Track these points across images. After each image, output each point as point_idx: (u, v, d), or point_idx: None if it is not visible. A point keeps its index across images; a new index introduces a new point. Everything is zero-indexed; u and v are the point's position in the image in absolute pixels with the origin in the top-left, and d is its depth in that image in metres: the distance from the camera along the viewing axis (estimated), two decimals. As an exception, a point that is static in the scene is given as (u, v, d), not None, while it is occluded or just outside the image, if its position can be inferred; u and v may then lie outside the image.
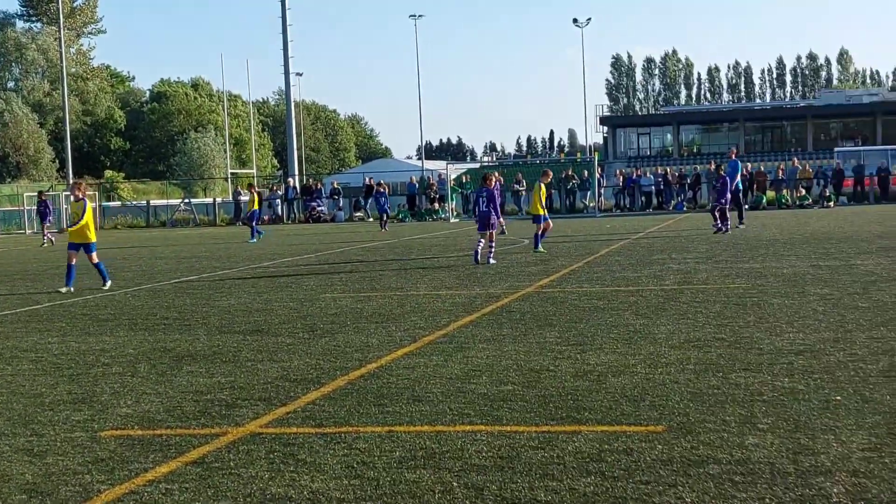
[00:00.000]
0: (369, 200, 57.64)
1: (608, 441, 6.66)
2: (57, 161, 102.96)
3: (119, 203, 74.33)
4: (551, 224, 24.84)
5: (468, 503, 5.51)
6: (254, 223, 36.65)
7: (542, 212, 23.71)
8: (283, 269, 22.50)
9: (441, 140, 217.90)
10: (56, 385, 9.35)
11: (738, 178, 32.01)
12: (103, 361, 10.61)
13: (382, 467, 6.25)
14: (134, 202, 72.32)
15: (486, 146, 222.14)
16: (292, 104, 72.65)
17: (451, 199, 53.55)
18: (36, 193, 50.11)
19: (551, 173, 26.93)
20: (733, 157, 34.77)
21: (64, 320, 14.35)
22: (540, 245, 23.85)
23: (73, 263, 18.49)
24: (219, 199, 68.17)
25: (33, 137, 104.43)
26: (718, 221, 29.47)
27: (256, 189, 37.98)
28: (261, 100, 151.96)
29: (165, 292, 17.96)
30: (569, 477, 5.90)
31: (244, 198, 62.21)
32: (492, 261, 21.09)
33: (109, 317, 14.60)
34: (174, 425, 7.59)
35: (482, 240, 21.57)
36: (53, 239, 40.87)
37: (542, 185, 23.91)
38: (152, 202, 68.19)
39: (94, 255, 18.68)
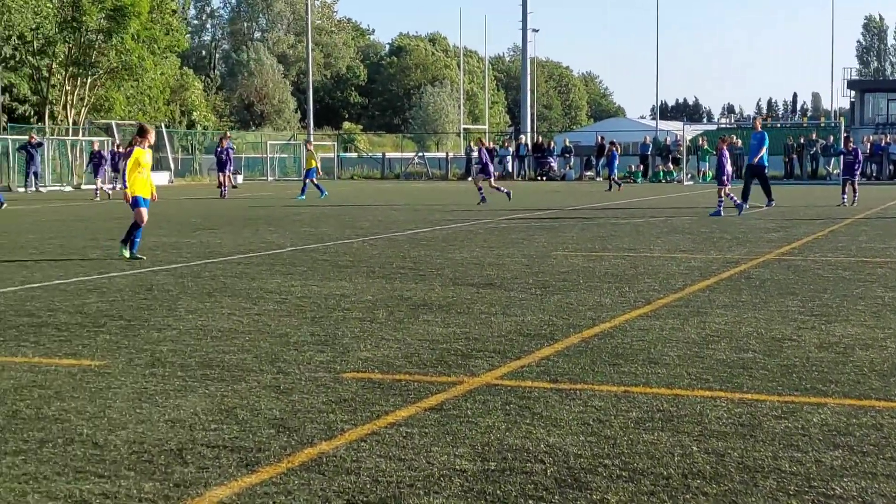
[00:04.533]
0: (601, 160, 57.25)
1: (856, 415, 6.39)
2: (299, 112, 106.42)
3: (356, 155, 76.27)
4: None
5: (709, 468, 5.39)
6: (314, 180, 35.35)
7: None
8: (514, 224, 22.59)
9: (676, 100, 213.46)
10: (300, 326, 9.66)
11: (764, 151, 27.15)
12: (343, 306, 10.90)
13: (619, 426, 6.18)
14: (369, 154, 74.07)
15: (723, 108, 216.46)
16: (528, 61, 72.63)
17: (705, 161, 52.25)
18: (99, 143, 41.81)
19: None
20: (759, 127, 28.38)
21: (305, 265, 14.81)
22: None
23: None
24: (451, 154, 68.94)
25: (278, 88, 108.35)
26: (846, 194, 28.79)
27: (311, 146, 37.81)
28: (496, 56, 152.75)
29: (401, 242, 18.32)
30: (814, 449, 5.70)
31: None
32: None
33: (348, 263, 14.99)
34: (412, 371, 7.73)
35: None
36: (109, 192, 37.43)
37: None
38: (387, 155, 69.66)
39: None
